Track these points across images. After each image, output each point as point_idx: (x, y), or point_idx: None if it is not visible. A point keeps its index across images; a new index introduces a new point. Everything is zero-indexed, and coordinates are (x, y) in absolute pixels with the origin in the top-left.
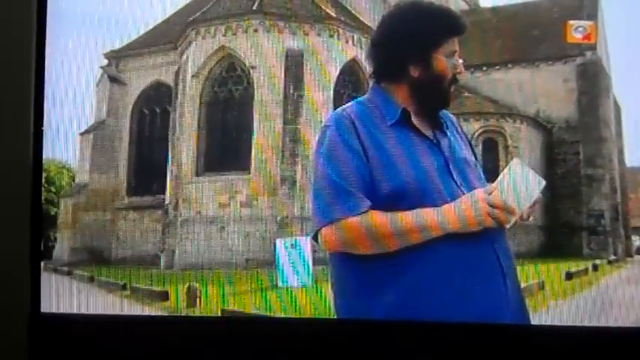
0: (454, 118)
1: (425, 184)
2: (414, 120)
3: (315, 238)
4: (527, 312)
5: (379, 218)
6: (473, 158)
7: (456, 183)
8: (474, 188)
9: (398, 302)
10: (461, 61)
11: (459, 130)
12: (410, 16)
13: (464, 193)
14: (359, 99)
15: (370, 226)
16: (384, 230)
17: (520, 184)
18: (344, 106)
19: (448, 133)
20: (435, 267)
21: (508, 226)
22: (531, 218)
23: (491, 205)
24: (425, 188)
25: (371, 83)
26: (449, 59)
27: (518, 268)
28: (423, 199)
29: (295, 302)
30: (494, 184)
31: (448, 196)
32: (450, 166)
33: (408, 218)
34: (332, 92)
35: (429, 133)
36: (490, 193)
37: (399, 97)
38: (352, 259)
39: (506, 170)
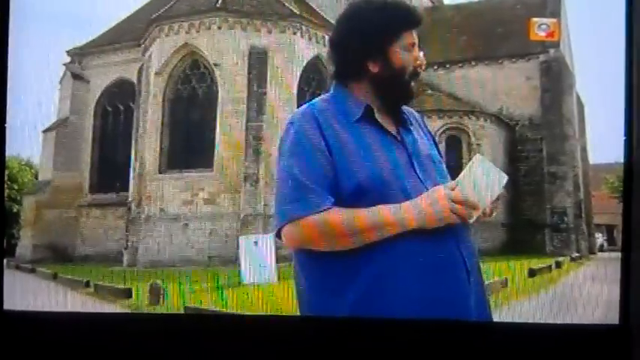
0: (418, 115)
1: (388, 181)
2: (378, 117)
3: (278, 235)
4: (489, 309)
5: (334, 217)
6: (437, 155)
7: (420, 179)
8: (438, 184)
9: (360, 299)
10: (422, 53)
11: (424, 127)
12: (363, 13)
13: (427, 190)
14: (323, 96)
15: (325, 225)
16: (338, 229)
17: (483, 179)
18: (308, 103)
19: (412, 130)
20: (396, 263)
21: (471, 222)
22: (494, 214)
23: (453, 201)
24: (388, 184)
25: (333, 82)
26: (407, 52)
27: (482, 265)
28: (387, 195)
29: (258, 300)
30: (456, 180)
31: (412, 192)
32: (414, 163)
33: (363, 217)
34: (295, 90)
35: (392, 129)
36: (452, 189)
37: (360, 95)
38: (315, 257)
39: (468, 166)
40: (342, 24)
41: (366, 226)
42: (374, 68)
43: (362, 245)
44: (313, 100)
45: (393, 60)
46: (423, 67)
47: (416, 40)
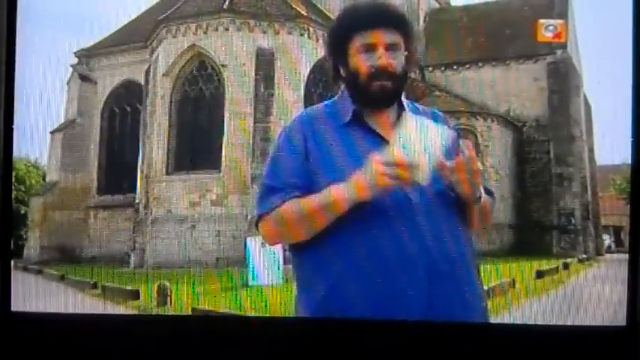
0: (441, 117)
1: None
2: (372, 119)
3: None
4: (479, 312)
5: (269, 214)
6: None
7: None
8: (425, 189)
9: (322, 299)
10: (385, 52)
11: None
12: (336, 19)
13: (408, 192)
14: (327, 101)
15: (263, 222)
16: (269, 225)
17: (419, 135)
18: (308, 107)
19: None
20: (353, 263)
21: (423, 183)
22: (458, 175)
23: (388, 164)
24: None
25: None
26: (361, 54)
27: (490, 267)
28: None
29: (266, 301)
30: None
31: (388, 195)
32: None
33: (289, 209)
34: (303, 91)
35: (387, 132)
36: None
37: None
38: (294, 257)
39: (403, 124)
40: None
41: (292, 217)
42: (343, 72)
43: (323, 245)
44: (312, 106)
45: (350, 63)
46: (388, 68)
47: (369, 41)
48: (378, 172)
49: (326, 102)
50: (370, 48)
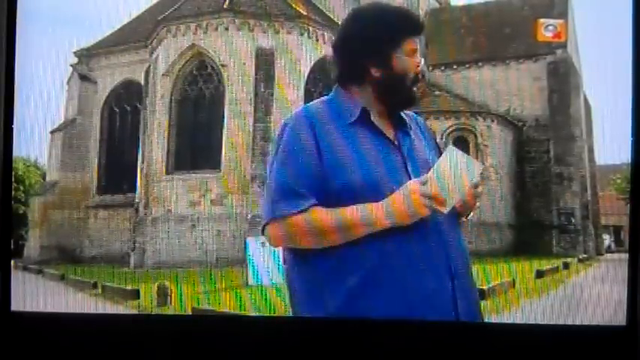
0: (421, 119)
1: (379, 183)
2: (376, 120)
3: (263, 232)
4: (478, 312)
5: (301, 218)
6: (436, 159)
7: None
8: None
9: (345, 300)
10: (422, 59)
11: (425, 132)
12: (368, 18)
13: None
14: (321, 99)
15: (291, 226)
16: (303, 230)
17: (456, 169)
18: (304, 106)
19: (411, 134)
20: (377, 264)
21: (445, 212)
22: (477, 204)
23: (427, 196)
24: (379, 187)
25: (335, 85)
26: (408, 58)
27: (489, 267)
28: (375, 197)
29: (266, 300)
30: (429, 173)
31: None
32: (408, 167)
33: (328, 218)
34: (303, 90)
35: (390, 133)
36: (424, 183)
37: (361, 98)
38: (302, 258)
39: (441, 158)
40: (346, 28)
41: (331, 227)
42: (376, 73)
43: (346, 246)
44: (309, 103)
45: (394, 66)
46: (418, 71)
47: (417, 46)
48: (417, 202)
49: (321, 100)
50: (413, 54)
